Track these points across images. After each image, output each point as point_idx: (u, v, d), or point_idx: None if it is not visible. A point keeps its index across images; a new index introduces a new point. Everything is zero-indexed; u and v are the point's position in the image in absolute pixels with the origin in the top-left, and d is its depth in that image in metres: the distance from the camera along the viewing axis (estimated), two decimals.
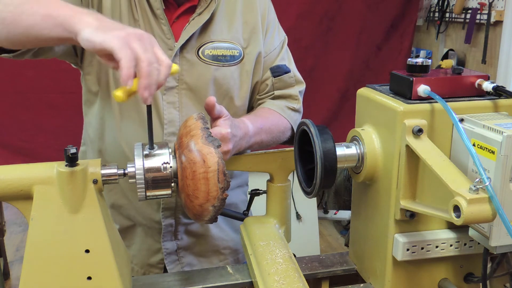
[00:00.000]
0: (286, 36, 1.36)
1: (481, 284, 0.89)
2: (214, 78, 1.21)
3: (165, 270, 1.31)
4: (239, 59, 1.23)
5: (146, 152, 0.88)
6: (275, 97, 1.31)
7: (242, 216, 1.22)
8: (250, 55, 1.25)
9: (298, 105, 1.33)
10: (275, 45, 1.31)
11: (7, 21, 0.93)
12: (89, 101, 1.26)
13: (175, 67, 0.88)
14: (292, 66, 1.34)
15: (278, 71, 1.30)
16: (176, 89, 1.19)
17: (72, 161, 0.83)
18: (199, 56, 1.19)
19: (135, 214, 1.28)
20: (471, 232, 0.87)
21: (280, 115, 1.28)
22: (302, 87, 1.35)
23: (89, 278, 0.85)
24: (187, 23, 1.18)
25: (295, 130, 1.26)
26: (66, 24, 0.87)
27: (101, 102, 1.23)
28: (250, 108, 1.34)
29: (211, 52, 1.20)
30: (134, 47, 0.81)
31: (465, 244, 0.92)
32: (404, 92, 0.90)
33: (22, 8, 0.92)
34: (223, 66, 1.21)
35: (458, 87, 0.91)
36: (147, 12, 1.17)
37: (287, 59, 1.34)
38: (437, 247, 0.91)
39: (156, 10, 1.17)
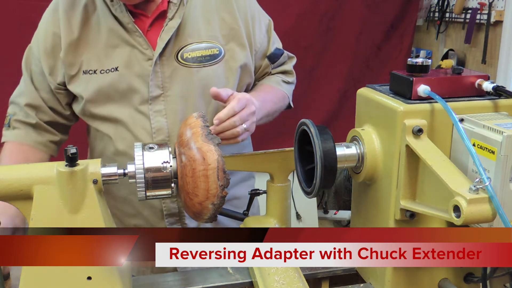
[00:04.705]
0: (271, 19, 1.39)
1: (481, 284, 0.89)
2: (198, 80, 1.21)
3: None
4: (220, 57, 1.24)
5: (146, 151, 0.88)
6: (271, 74, 1.39)
7: (242, 216, 1.22)
8: (231, 51, 1.26)
9: (293, 78, 1.43)
10: (263, 32, 1.34)
11: None
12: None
13: None
14: (280, 44, 1.41)
15: (275, 57, 1.36)
16: (161, 97, 1.20)
17: (72, 161, 0.83)
18: (179, 61, 1.20)
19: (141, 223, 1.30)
20: None
21: (278, 88, 1.36)
22: (294, 60, 1.45)
23: (89, 278, 0.85)
24: (161, 30, 1.18)
25: (291, 101, 1.39)
26: None
27: None
28: None
29: (189, 54, 1.21)
30: None
31: None
32: (404, 92, 0.90)
33: None
34: (204, 66, 1.22)
35: (458, 87, 0.91)
36: (120, 30, 1.18)
37: (276, 41, 1.39)
38: None
39: (127, 24, 1.18)
